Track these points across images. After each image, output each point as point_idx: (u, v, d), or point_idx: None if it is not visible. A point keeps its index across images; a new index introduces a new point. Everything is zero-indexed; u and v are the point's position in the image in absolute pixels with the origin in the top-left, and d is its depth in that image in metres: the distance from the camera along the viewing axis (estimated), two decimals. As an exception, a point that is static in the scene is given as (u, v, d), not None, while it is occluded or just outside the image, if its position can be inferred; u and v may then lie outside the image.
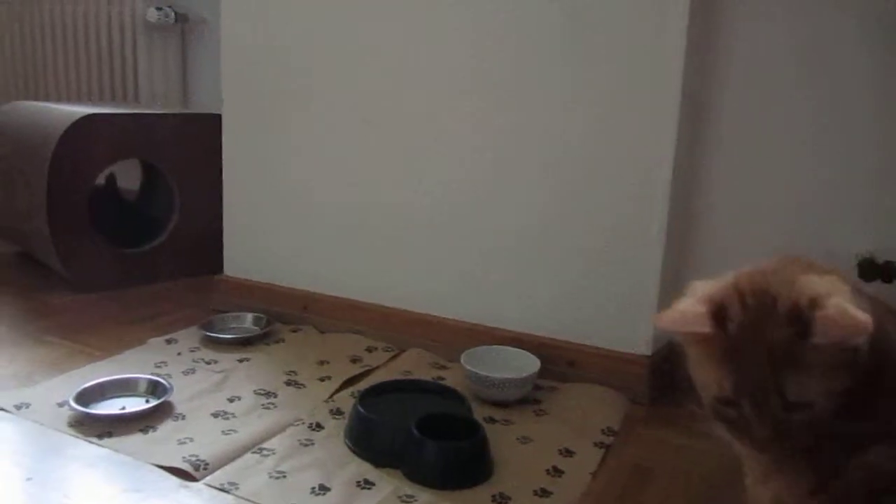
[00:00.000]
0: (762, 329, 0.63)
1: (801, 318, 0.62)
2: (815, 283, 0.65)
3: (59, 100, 2.80)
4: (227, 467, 1.14)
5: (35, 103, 2.36)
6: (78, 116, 1.94)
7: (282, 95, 1.79)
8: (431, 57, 1.59)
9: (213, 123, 1.91)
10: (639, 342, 1.46)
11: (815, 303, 0.62)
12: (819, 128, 1.39)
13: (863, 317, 0.60)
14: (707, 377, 0.67)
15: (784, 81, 1.40)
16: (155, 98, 2.66)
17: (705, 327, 0.66)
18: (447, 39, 1.57)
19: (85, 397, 1.31)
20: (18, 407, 1.30)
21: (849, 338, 0.60)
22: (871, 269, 1.31)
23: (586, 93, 1.44)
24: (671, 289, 1.45)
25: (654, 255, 1.43)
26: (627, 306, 1.46)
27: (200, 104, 2.69)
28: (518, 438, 1.28)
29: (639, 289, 1.45)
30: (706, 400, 0.69)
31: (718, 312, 0.66)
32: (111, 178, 2.39)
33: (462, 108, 1.57)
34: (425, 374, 1.51)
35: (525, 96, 1.50)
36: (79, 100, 2.79)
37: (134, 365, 1.50)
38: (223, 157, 1.89)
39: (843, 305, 0.61)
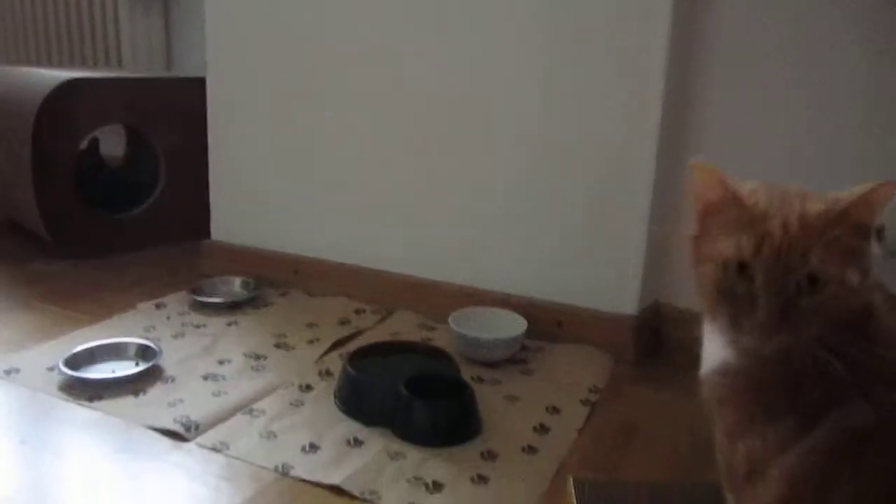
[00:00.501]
0: (791, 202, 0.64)
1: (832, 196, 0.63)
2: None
3: (40, 66, 2.76)
4: (218, 428, 1.15)
5: (17, 68, 2.33)
6: (61, 80, 1.91)
7: (268, 59, 1.76)
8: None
9: (198, 87, 1.88)
10: (625, 302, 1.47)
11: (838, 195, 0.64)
12: (807, 114, 1.37)
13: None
14: (723, 243, 0.65)
15: (776, 78, 1.38)
16: (138, 63, 2.62)
17: (739, 186, 0.66)
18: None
19: (75, 362, 1.31)
20: (8, 372, 1.31)
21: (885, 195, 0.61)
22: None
23: (575, 41, 1.44)
24: (656, 252, 1.47)
25: (640, 219, 1.43)
26: (615, 267, 1.47)
27: (184, 68, 2.65)
28: (505, 397, 1.29)
29: (626, 251, 1.46)
30: (713, 276, 0.66)
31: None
32: (93, 143, 2.36)
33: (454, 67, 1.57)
34: (414, 336, 1.53)
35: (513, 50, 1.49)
36: (60, 66, 2.75)
37: (123, 330, 1.50)
38: (208, 121, 1.87)
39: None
